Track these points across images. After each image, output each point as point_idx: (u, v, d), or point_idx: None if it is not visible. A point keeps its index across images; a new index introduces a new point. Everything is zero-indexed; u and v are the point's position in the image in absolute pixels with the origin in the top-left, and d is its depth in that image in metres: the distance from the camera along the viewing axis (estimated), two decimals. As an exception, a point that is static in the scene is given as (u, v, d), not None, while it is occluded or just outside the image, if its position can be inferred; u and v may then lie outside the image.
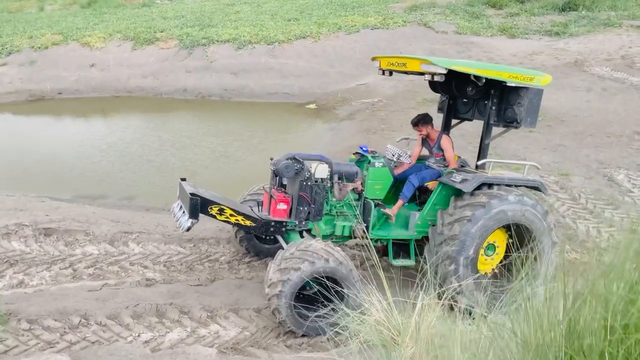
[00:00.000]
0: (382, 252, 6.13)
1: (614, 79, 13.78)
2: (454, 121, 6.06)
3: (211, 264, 5.84)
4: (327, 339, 4.50)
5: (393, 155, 5.66)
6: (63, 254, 5.71)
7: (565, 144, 10.23)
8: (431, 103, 13.28)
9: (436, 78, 4.74)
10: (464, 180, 4.97)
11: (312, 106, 15.11)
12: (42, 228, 6.00)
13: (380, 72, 5.53)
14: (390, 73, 5.51)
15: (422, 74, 4.95)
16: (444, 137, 5.57)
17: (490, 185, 5.05)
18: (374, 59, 5.62)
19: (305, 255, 4.42)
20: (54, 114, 15.71)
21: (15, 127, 14.47)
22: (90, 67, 17.76)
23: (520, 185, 5.20)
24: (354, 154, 5.86)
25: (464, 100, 5.75)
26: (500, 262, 5.41)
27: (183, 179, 5.20)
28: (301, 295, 4.60)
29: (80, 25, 21.27)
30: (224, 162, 10.67)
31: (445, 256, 4.96)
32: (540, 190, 5.31)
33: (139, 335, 4.43)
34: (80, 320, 4.50)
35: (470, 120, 5.91)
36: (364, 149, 5.64)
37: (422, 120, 5.59)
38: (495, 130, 5.53)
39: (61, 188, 9.23)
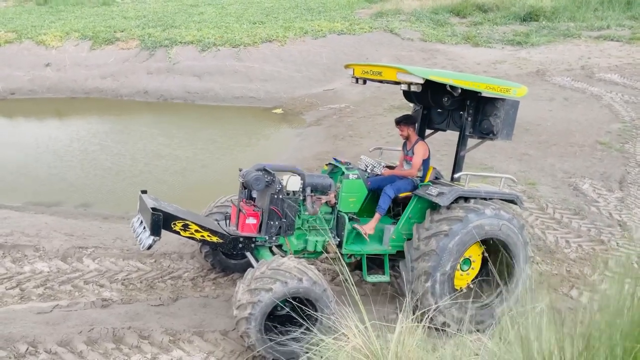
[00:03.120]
0: (355, 266, 5.94)
1: (574, 88, 14.10)
2: (427, 131, 5.94)
3: (174, 282, 5.49)
4: (300, 363, 4.26)
5: (367, 167, 5.48)
6: (10, 272, 5.24)
7: (530, 153, 10.32)
8: (398, 110, 13.25)
9: (413, 88, 4.59)
10: (440, 194, 4.83)
11: (279, 111, 14.85)
12: (20, 246, 5.51)
13: (354, 80, 5.35)
14: (365, 82, 5.32)
15: (398, 83, 4.79)
16: (420, 142, 5.41)
17: (467, 199, 4.94)
18: (347, 66, 5.43)
19: (278, 274, 4.15)
20: (6, 115, 14.92)
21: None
22: (46, 67, 16.98)
23: (496, 199, 5.10)
24: (326, 165, 5.64)
25: (439, 110, 5.63)
26: (476, 277, 5.31)
27: (144, 192, 4.84)
28: (271, 316, 4.34)
29: (35, 23, 20.33)
30: (188, 169, 10.27)
31: (422, 272, 4.81)
32: (516, 204, 5.24)
33: (93, 364, 4.06)
34: (27, 348, 4.08)
35: (444, 130, 5.79)
36: (337, 160, 5.43)
37: (405, 120, 5.42)
38: (471, 142, 5.43)
39: (12, 195, 8.68)
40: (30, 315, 4.60)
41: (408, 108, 13.33)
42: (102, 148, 11.31)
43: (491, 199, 5.05)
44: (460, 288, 5.18)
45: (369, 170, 5.48)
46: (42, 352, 4.09)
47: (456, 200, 4.88)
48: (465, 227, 4.73)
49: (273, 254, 4.94)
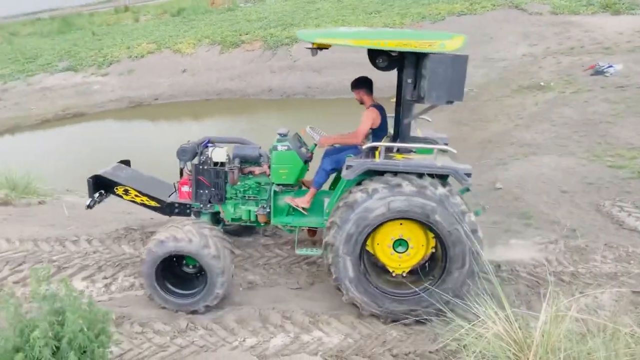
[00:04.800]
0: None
1: None
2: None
3: (309, 267, 5.77)
4: (437, 349, 4.26)
5: (316, 138, 5.23)
6: (168, 257, 5.90)
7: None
8: (528, 90, 12.46)
9: (312, 53, 4.41)
10: (350, 167, 4.46)
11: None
12: (149, 232, 6.25)
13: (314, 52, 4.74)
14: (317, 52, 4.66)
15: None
16: (371, 109, 4.99)
17: (395, 174, 4.43)
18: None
19: (172, 231, 4.64)
20: (150, 118, 16.66)
21: (115, 132, 15.51)
22: (182, 73, 18.59)
23: (425, 174, 4.42)
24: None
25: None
26: (426, 262, 4.91)
27: (123, 161, 5.92)
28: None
29: (171, 33, 22.35)
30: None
31: (327, 243, 4.58)
32: (456, 179, 4.47)
33: (244, 340, 4.44)
34: (187, 324, 4.59)
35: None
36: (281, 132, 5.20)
37: (355, 83, 5.09)
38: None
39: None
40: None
41: (544, 86, 12.46)
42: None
43: (413, 173, 4.40)
44: (402, 272, 4.80)
45: (316, 142, 5.21)
46: (200, 328, 4.57)
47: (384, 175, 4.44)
48: (368, 201, 4.34)
49: (218, 221, 5.51)
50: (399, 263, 4.75)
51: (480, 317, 3.75)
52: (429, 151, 4.74)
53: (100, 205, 5.68)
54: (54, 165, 11.54)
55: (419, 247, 4.71)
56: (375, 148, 4.68)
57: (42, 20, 35.72)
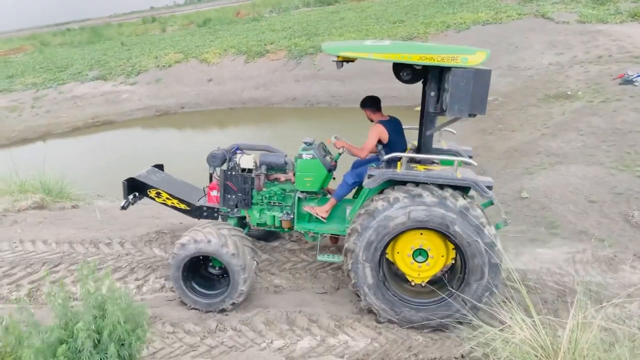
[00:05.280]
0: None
1: None
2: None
3: (334, 272, 5.83)
4: (462, 355, 4.28)
5: (339, 149, 5.32)
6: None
7: None
8: (554, 99, 12.36)
9: (337, 66, 4.55)
10: (371, 176, 4.55)
11: (419, 108, 14.74)
12: (179, 235, 6.41)
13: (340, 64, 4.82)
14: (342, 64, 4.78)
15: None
16: (375, 125, 5.09)
17: (417, 184, 4.51)
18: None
19: (194, 234, 4.82)
20: (176, 126, 17.00)
21: (143, 139, 15.90)
22: (208, 82, 18.96)
23: (446, 185, 4.47)
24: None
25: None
26: (446, 272, 5.00)
27: (157, 166, 6.14)
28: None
29: (198, 43, 22.83)
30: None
31: (347, 249, 4.63)
32: (476, 192, 4.50)
33: (271, 342, 4.53)
34: (217, 325, 4.70)
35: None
36: (307, 141, 5.31)
37: (363, 103, 5.28)
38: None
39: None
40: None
41: (570, 95, 12.31)
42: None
43: (435, 184, 4.45)
44: (422, 282, 4.82)
45: (340, 152, 5.34)
46: (229, 329, 4.67)
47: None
48: (389, 210, 4.42)
49: (244, 226, 5.68)
50: (419, 272, 4.80)
51: (506, 323, 3.76)
52: (451, 162, 4.81)
53: (130, 209, 5.87)
54: (85, 171, 11.89)
55: (439, 257, 4.74)
56: (398, 159, 4.78)
57: (72, 31, 36.91)
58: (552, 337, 3.70)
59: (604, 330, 3.77)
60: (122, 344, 2.99)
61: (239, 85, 18.41)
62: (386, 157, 4.82)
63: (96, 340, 2.87)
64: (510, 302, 3.92)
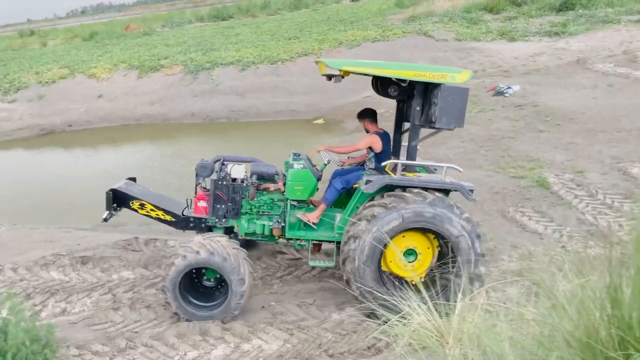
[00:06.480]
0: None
1: (618, 74, 13.91)
2: (407, 125, 5.79)
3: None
4: (368, 347, 4.59)
5: (325, 159, 5.65)
6: (101, 281, 5.83)
7: (576, 141, 10.32)
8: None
9: (334, 80, 4.91)
10: (369, 182, 4.98)
11: (320, 121, 15.29)
12: (78, 257, 6.13)
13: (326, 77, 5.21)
14: (329, 78, 5.15)
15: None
16: (371, 134, 5.53)
17: (404, 189, 4.96)
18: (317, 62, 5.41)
19: (182, 249, 4.89)
20: (64, 146, 15.94)
21: (26, 161, 14.74)
22: (98, 98, 18.03)
23: (434, 189, 4.95)
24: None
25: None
26: (432, 270, 5.28)
27: (130, 179, 5.96)
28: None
29: (85, 58, 21.64)
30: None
31: (346, 255, 4.99)
32: (462, 194, 5.06)
33: (185, 354, 4.52)
34: (126, 343, 4.60)
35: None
36: (296, 152, 5.66)
37: (360, 114, 5.73)
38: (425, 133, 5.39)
39: (80, 219, 9.28)
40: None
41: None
42: (161, 169, 11.95)
43: (427, 188, 4.93)
44: (412, 281, 5.04)
45: (325, 162, 5.63)
46: (140, 345, 4.59)
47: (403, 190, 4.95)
48: (389, 214, 4.78)
49: (230, 234, 5.62)
50: (414, 271, 5.11)
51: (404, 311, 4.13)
52: (426, 171, 5.39)
53: (20, 233, 5.55)
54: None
55: (426, 250, 5.15)
56: (384, 167, 5.29)
57: None
58: (446, 319, 4.13)
59: (488, 313, 4.28)
60: (30, 366, 2.88)
61: (132, 101, 17.72)
62: (384, 163, 5.22)
63: (1, 364, 2.75)
64: (408, 292, 4.31)
